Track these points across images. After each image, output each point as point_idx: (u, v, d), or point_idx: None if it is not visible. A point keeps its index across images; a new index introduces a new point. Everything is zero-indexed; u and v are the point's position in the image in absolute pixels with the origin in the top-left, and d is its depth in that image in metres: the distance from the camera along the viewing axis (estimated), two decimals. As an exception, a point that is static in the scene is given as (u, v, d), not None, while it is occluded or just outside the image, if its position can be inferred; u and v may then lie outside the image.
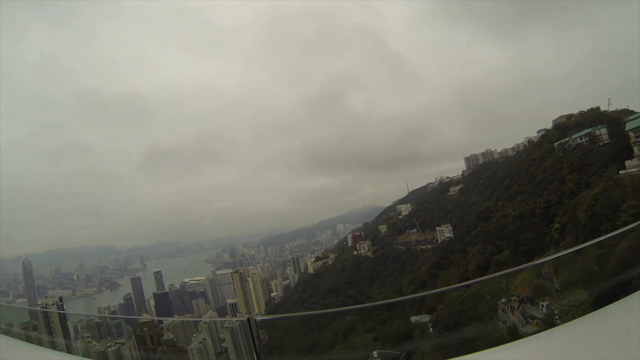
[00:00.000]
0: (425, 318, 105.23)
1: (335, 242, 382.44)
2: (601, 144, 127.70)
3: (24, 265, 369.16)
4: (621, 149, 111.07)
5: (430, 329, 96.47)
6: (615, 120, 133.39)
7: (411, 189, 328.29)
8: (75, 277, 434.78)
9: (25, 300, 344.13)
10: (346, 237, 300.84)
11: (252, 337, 6.52)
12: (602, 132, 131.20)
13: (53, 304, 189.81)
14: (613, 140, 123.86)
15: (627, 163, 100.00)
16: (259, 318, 6.36)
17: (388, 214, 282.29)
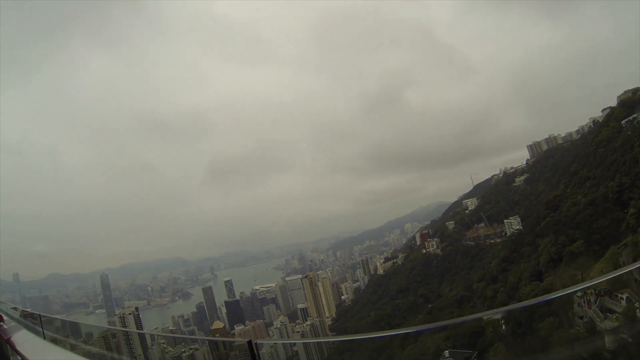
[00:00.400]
0: (497, 315, 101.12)
1: (404, 242, 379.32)
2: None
3: (102, 279, 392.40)
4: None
5: (503, 326, 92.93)
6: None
7: (476, 183, 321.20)
8: (149, 288, 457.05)
9: (104, 310, 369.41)
10: (414, 235, 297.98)
11: (254, 361, 5.96)
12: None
13: (130, 314, 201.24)
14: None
15: None
16: (260, 342, 6.09)
17: (454, 210, 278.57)
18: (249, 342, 5.83)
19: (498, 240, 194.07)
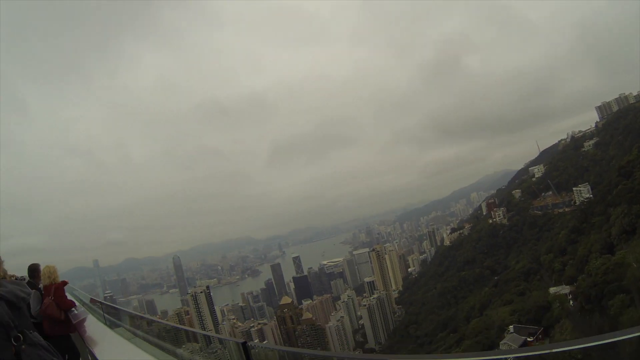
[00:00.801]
0: (565, 289, 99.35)
1: (470, 212, 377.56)
2: None
3: (174, 261, 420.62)
4: None
5: (571, 302, 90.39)
6: None
7: (542, 149, 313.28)
8: (219, 267, 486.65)
9: (177, 290, 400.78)
10: (480, 205, 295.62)
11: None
12: None
13: (201, 292, 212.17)
14: None
15: None
16: (255, 345, 6.22)
17: (521, 178, 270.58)
18: (243, 344, 5.82)
19: (567, 209, 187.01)
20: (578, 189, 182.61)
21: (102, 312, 13.73)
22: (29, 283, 10.92)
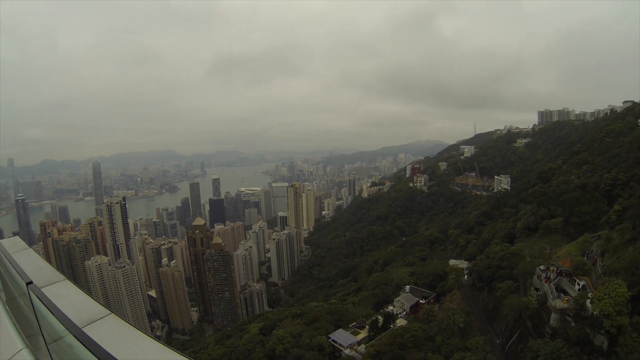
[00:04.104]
0: (463, 264, 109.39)
1: (394, 171, 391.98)
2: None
3: (94, 167, 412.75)
4: None
5: (465, 277, 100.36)
6: None
7: (478, 132, 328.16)
8: (139, 179, 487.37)
9: (93, 198, 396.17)
10: (405, 167, 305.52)
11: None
12: None
13: (117, 203, 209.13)
14: None
15: None
16: (37, 291, 6.12)
17: (450, 152, 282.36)
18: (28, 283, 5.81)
19: (484, 193, 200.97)
20: (499, 178, 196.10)
21: None
22: None
